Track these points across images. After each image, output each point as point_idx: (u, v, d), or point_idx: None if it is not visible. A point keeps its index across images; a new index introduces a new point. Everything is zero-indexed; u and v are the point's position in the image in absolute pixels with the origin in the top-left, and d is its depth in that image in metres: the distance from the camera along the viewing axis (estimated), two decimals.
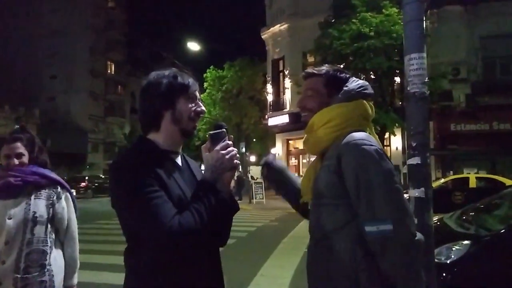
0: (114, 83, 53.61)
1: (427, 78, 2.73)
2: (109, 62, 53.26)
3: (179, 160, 1.49)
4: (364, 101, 1.60)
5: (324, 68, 1.68)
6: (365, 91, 1.62)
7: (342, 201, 1.45)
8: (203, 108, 1.50)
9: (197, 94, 1.49)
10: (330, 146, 1.54)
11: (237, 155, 1.43)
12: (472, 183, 13.77)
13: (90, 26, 49.32)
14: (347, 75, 1.67)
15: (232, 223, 1.54)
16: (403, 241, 1.36)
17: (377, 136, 1.60)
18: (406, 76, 2.72)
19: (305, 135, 1.65)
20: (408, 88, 2.71)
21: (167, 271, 1.31)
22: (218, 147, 1.39)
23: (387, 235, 1.35)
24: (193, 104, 1.46)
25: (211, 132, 1.44)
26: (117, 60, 54.06)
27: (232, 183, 1.53)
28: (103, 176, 32.88)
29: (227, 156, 1.39)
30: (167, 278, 1.31)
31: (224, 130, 1.43)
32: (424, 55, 2.70)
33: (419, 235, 1.41)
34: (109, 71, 53.33)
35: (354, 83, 1.63)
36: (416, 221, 2.61)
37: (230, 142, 1.42)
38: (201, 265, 1.38)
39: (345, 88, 1.61)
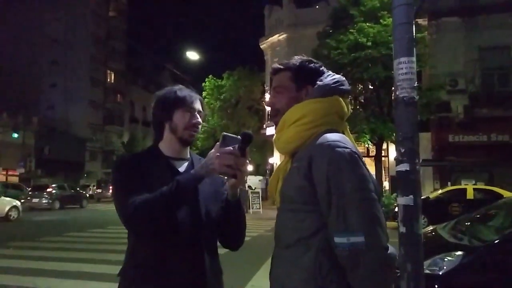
0: (114, 92, 53.79)
1: (416, 82, 2.66)
2: (109, 71, 53.49)
3: (183, 166, 1.62)
4: (340, 98, 1.47)
5: (293, 60, 1.54)
6: (342, 87, 1.48)
7: (312, 207, 1.32)
8: (199, 120, 1.61)
9: (196, 106, 1.61)
10: (302, 146, 1.40)
11: (242, 165, 1.42)
12: (470, 195, 13.64)
13: (91, 35, 49.67)
14: (318, 65, 1.53)
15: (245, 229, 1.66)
16: (375, 255, 1.23)
17: (352, 137, 1.48)
18: (395, 80, 2.64)
19: (276, 134, 1.51)
20: (397, 93, 2.62)
21: (144, 255, 1.49)
22: (219, 149, 1.42)
23: (358, 248, 1.22)
24: (190, 116, 1.58)
25: (225, 133, 1.47)
26: (117, 69, 54.32)
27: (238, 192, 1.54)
28: None
29: (221, 159, 1.39)
30: (145, 262, 1.48)
31: (240, 137, 1.43)
32: (414, 59, 2.61)
33: (391, 249, 1.29)
34: (108, 80, 53.52)
35: (330, 77, 1.49)
36: (404, 230, 2.52)
37: (234, 150, 1.40)
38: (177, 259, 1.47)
39: (319, 82, 1.47)
